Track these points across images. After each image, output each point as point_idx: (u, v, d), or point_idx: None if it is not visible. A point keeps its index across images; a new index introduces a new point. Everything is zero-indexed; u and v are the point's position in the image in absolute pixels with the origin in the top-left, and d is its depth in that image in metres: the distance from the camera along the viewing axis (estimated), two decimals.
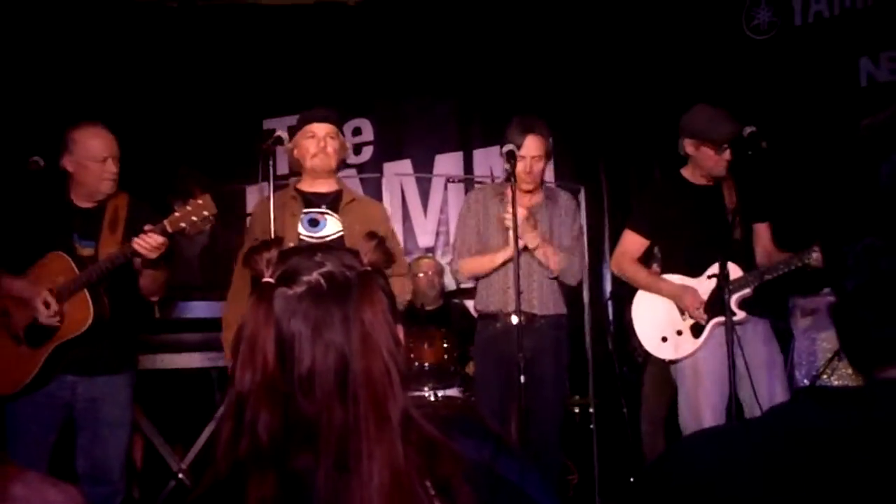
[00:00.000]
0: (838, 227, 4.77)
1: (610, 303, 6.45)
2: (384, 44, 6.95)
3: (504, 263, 4.36)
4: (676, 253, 4.36)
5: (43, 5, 6.04)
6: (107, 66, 6.35)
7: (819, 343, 5.13)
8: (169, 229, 3.69)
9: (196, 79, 6.80)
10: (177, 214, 3.70)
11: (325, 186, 4.21)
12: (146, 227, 3.70)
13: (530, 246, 4.32)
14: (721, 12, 6.23)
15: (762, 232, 4.36)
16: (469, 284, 6.47)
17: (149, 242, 3.67)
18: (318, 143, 4.13)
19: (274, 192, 4.08)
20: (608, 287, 6.57)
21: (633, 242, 4.45)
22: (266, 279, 1.36)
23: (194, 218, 3.70)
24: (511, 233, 4.16)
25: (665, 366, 4.63)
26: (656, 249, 4.62)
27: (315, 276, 1.36)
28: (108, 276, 3.80)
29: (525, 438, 4.10)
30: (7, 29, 5.86)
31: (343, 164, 4.39)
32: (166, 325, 4.91)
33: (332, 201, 4.18)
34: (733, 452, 1.15)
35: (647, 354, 5.50)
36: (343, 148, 4.26)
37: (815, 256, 4.04)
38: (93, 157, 3.88)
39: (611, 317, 6.41)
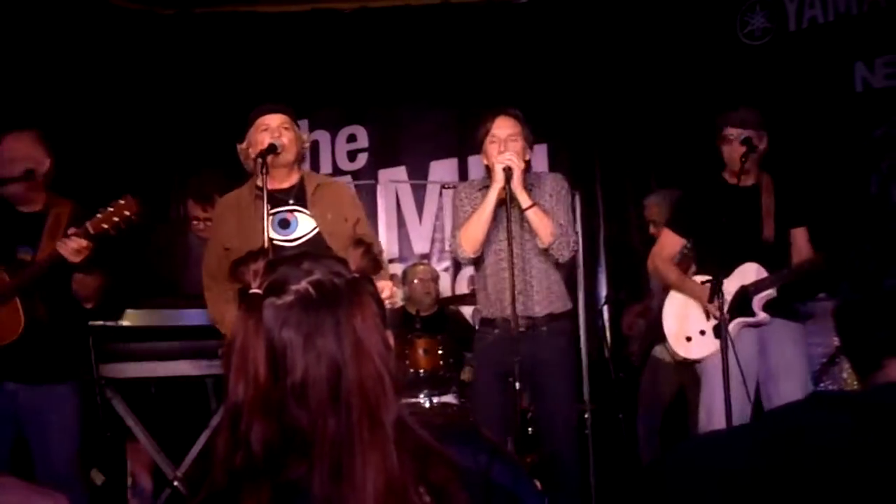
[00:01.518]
0: (838, 232, 4.78)
1: (605, 308, 6.45)
2: (379, 51, 6.95)
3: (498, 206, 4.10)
4: (708, 253, 4.36)
5: (37, 12, 6.03)
6: (102, 74, 6.34)
7: (815, 348, 5.13)
8: (91, 231, 3.72)
9: (191, 87, 6.79)
10: (98, 216, 3.74)
11: (286, 181, 3.99)
12: (69, 231, 3.74)
13: (523, 205, 4.05)
14: (715, 18, 6.24)
15: (799, 236, 4.33)
16: (465, 290, 6.50)
17: (70, 245, 3.70)
18: (272, 134, 3.87)
19: (229, 192, 4.01)
20: (603, 292, 6.57)
21: (669, 241, 4.52)
22: (254, 290, 1.36)
23: (116, 219, 3.74)
24: (506, 243, 4.02)
25: (663, 373, 4.66)
26: (689, 249, 4.66)
27: (304, 284, 1.35)
28: (44, 283, 3.82)
29: (526, 444, 4.04)
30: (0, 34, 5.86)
31: (302, 158, 4.12)
32: (161, 332, 4.90)
33: (298, 194, 3.98)
34: (730, 455, 1.15)
35: (642, 358, 5.53)
36: (299, 139, 4.00)
37: None
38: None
39: (606, 322, 6.41)
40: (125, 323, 4.74)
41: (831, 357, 4.96)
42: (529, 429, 4.94)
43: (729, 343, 3.90)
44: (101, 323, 4.50)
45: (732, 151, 4.22)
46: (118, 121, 6.31)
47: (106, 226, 3.73)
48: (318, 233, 3.93)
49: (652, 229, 5.58)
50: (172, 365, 4.76)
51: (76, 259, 3.72)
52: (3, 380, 3.83)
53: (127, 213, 3.75)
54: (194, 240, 5.26)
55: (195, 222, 5.30)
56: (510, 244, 3.98)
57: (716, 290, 3.96)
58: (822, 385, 5.06)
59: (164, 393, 5.09)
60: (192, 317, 4.92)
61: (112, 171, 5.65)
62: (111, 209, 3.75)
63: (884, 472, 1.03)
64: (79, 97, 6.05)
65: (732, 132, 4.23)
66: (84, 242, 3.71)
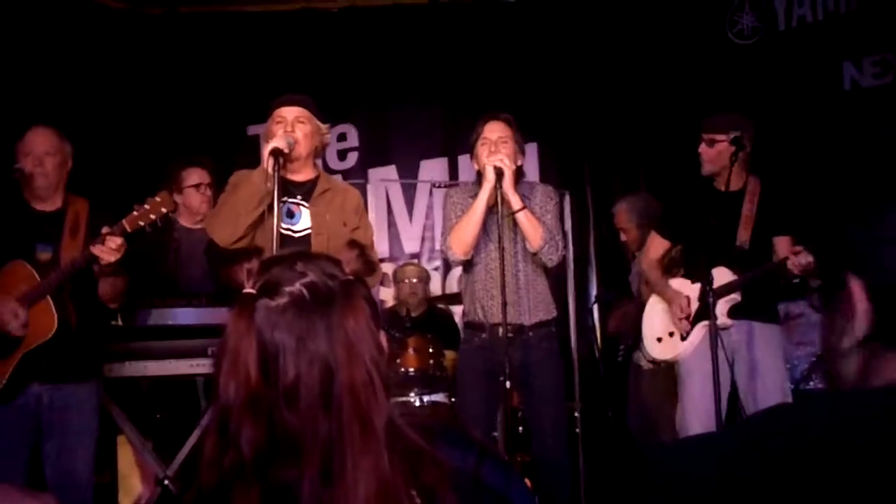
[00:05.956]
0: (824, 231, 4.77)
1: (595, 307, 6.45)
2: (369, 49, 6.94)
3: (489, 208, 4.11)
4: (687, 257, 4.48)
5: (22, 12, 6.01)
6: (89, 75, 6.31)
7: (803, 348, 5.16)
8: (128, 229, 3.72)
9: (179, 86, 6.77)
10: (135, 214, 3.74)
11: (301, 175, 3.98)
12: (104, 231, 3.72)
13: (515, 207, 4.06)
14: (705, 17, 6.24)
15: (781, 245, 4.29)
16: (455, 290, 6.50)
17: (108, 246, 3.70)
18: (285, 128, 3.85)
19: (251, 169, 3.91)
20: (593, 291, 6.58)
21: (655, 243, 4.57)
22: (247, 290, 1.35)
23: (152, 216, 3.74)
24: (496, 249, 4.04)
25: (644, 379, 4.70)
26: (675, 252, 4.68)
27: (297, 286, 1.34)
28: (71, 283, 3.82)
29: (517, 443, 4.04)
30: None
31: (321, 151, 4.14)
32: (151, 332, 4.88)
33: (308, 190, 3.98)
34: (716, 461, 1.15)
35: (626, 353, 5.54)
36: (317, 133, 3.98)
37: (793, 262, 4.00)
38: (26, 151, 3.92)
39: (596, 321, 6.41)
40: (114, 322, 4.72)
41: (819, 356, 4.97)
42: (520, 428, 4.94)
43: (727, 345, 3.96)
44: None
45: (721, 152, 4.22)
46: (104, 121, 6.28)
47: (142, 223, 3.73)
48: (310, 233, 3.94)
49: (623, 237, 5.57)
50: (162, 364, 4.74)
51: (112, 259, 3.71)
52: (30, 381, 3.81)
53: (164, 209, 3.75)
54: (183, 235, 5.22)
55: (193, 189, 5.06)
56: (500, 246, 3.99)
57: (708, 294, 3.98)
58: (811, 383, 5.08)
59: (155, 392, 5.08)
60: (182, 316, 4.91)
61: (97, 170, 5.61)
62: (147, 206, 3.74)
63: (881, 475, 1.03)
64: (64, 97, 6.02)
65: (722, 133, 4.23)
66: (120, 241, 3.71)
